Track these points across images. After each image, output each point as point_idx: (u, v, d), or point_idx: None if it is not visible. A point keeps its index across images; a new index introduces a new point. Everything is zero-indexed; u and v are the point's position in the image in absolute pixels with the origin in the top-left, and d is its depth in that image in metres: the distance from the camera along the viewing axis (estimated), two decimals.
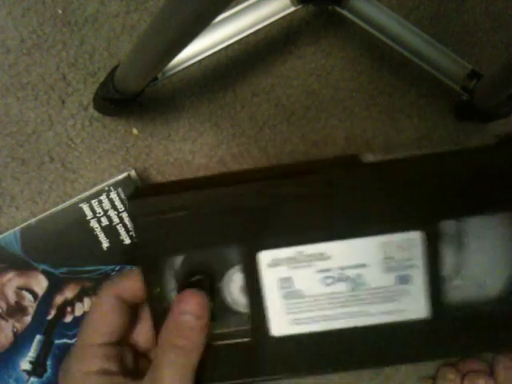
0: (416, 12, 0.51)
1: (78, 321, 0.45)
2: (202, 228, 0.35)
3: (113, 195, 0.46)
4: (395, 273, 0.35)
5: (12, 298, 0.46)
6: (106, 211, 0.46)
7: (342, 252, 0.35)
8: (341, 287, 0.35)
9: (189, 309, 0.33)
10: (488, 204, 0.35)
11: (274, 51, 0.50)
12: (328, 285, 0.35)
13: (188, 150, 0.50)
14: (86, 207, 0.46)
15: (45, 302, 0.46)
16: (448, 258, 0.36)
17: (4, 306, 0.46)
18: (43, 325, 0.46)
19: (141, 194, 0.38)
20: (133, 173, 0.47)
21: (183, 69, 0.45)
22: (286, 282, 0.35)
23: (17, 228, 0.46)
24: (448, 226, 0.36)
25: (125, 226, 0.46)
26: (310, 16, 0.50)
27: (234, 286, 0.37)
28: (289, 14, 0.45)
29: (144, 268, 0.35)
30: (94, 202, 0.46)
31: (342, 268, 0.35)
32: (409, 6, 0.51)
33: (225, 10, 0.44)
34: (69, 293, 0.45)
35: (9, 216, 0.48)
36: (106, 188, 0.46)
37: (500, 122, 0.50)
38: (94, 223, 0.46)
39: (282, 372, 0.36)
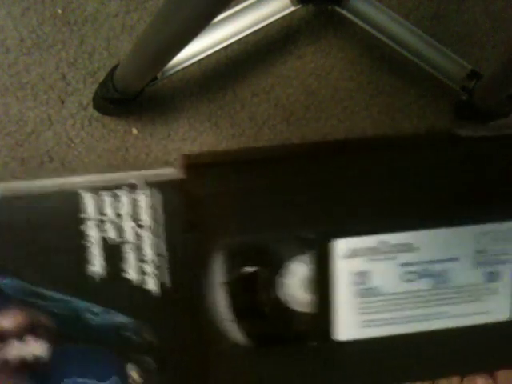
0: (416, 12, 0.51)
1: (4, 366, 0.27)
2: (270, 207, 0.28)
3: (141, 196, 0.26)
4: (485, 268, 0.30)
5: None
6: (119, 216, 0.27)
7: (431, 243, 0.29)
8: (424, 284, 0.30)
9: None
10: None
11: (274, 51, 0.50)
12: (409, 281, 0.30)
13: (188, 150, 0.49)
14: (88, 197, 0.27)
15: None
16: None
17: None
18: None
19: (197, 163, 0.30)
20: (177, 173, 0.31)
21: (183, 68, 0.45)
22: (362, 276, 0.29)
23: None
24: None
25: (139, 251, 0.26)
26: (310, 16, 0.50)
27: (294, 279, 0.30)
28: (289, 14, 0.45)
29: (195, 249, 0.28)
30: (105, 196, 0.27)
31: (429, 262, 0.30)
32: (409, 6, 0.51)
33: (225, 10, 0.44)
34: (7, 320, 0.27)
35: None
36: (133, 181, 0.27)
37: (500, 122, 0.50)
38: (90, 227, 0.26)
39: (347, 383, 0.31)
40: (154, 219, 0.27)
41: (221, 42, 0.45)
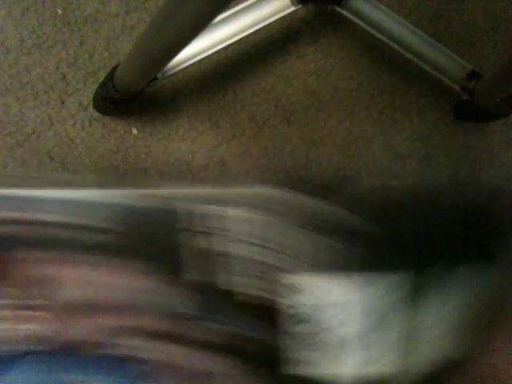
0: (416, 12, 0.51)
1: None
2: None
3: (244, 212, 0.26)
4: (370, 318, 0.30)
5: None
6: (222, 230, 0.27)
7: (318, 288, 0.30)
8: (303, 328, 0.30)
9: None
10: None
11: (274, 51, 0.50)
12: (294, 323, 0.30)
13: (188, 149, 0.49)
14: (194, 210, 0.27)
15: None
16: (429, 308, 0.32)
17: None
18: None
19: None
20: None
21: (183, 69, 0.45)
22: None
23: None
24: (435, 271, 0.31)
25: (227, 264, 0.26)
26: (310, 16, 0.50)
27: None
28: (289, 14, 0.45)
29: None
30: (212, 210, 0.28)
31: (313, 307, 0.30)
32: (409, 6, 0.51)
33: (225, 10, 0.44)
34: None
35: None
36: (237, 198, 0.27)
37: (500, 122, 0.50)
38: (193, 238, 0.27)
39: None
40: (252, 234, 0.29)
41: (221, 41, 0.45)
